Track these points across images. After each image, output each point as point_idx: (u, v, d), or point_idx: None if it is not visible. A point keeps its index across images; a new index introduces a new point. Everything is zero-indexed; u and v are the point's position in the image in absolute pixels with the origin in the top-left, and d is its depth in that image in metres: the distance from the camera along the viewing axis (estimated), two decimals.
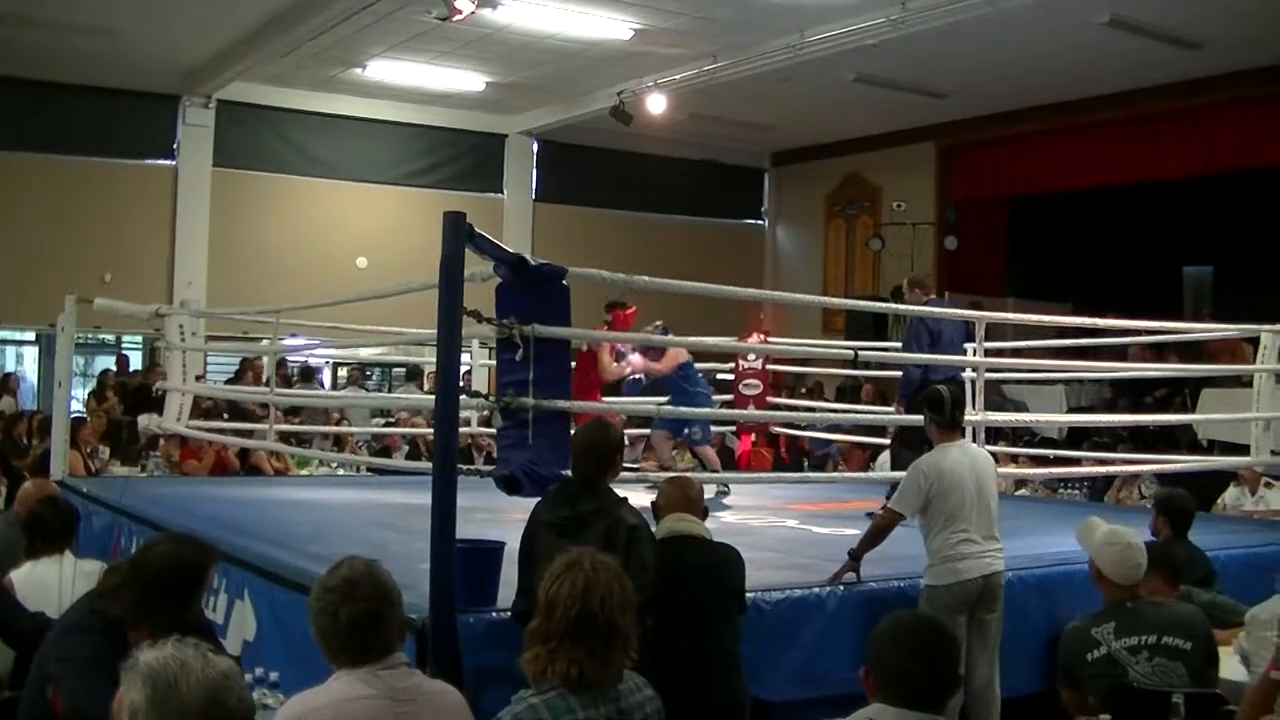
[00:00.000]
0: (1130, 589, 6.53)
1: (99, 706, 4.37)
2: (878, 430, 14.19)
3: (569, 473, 5.97)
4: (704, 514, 6.31)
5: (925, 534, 6.99)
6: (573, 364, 9.96)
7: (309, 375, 20.34)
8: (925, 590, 6.89)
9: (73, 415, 13.84)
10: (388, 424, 17.12)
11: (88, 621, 4.77)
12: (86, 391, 19.09)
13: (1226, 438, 14.70)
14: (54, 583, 6.35)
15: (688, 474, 8.29)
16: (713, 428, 15.32)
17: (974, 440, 9.02)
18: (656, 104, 19.96)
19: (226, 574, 7.26)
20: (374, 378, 21.78)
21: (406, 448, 16.18)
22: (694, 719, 5.68)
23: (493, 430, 8.01)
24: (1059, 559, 8.09)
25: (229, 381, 18.49)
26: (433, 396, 6.00)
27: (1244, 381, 13.44)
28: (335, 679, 3.99)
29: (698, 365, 14.70)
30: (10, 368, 21.87)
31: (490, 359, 11.64)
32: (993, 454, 8.25)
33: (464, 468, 6.34)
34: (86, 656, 4.60)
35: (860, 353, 10.28)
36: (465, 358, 12.23)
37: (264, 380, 16.38)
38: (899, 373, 14.97)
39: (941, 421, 7.28)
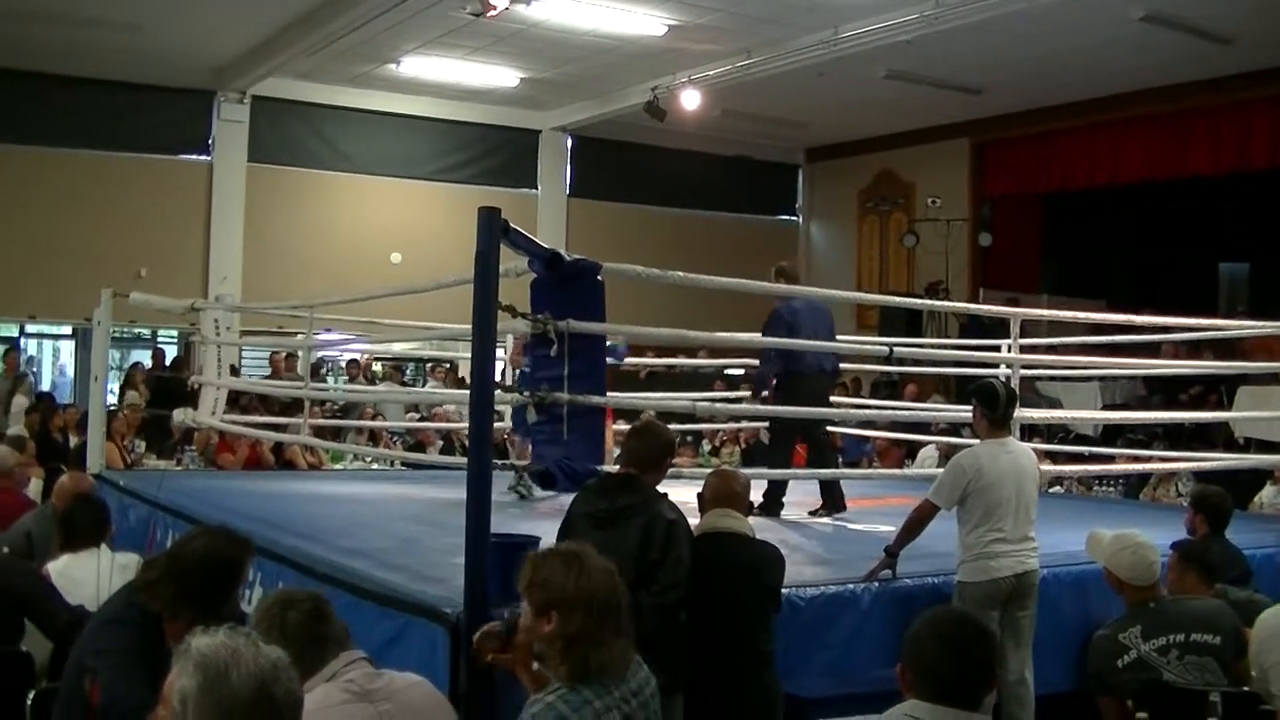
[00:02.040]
0: (1150, 589, 6.54)
1: (135, 698, 4.41)
2: (914, 427, 14.17)
3: (603, 468, 5.97)
4: (748, 509, 6.27)
5: (960, 528, 6.96)
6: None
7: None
8: (958, 586, 6.87)
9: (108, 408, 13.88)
10: (421, 419, 17.13)
11: (125, 614, 4.79)
12: (118, 386, 19.22)
13: (1263, 435, 14.61)
14: (91, 576, 6.38)
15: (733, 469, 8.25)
16: (746, 423, 15.30)
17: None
18: (690, 100, 19.97)
19: (261, 567, 7.28)
20: (409, 373, 21.80)
21: (440, 442, 16.19)
22: (728, 716, 5.70)
23: None
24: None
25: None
26: (467, 391, 6.00)
27: None
28: (308, 692, 3.98)
29: (732, 360, 14.65)
30: (47, 362, 22.02)
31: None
32: None
33: (499, 462, 6.35)
34: (124, 649, 4.61)
35: (895, 349, 10.26)
36: (500, 353, 12.26)
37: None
38: (934, 369, 14.98)
39: (992, 417, 7.21)
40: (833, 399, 11.19)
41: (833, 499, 10.17)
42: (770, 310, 10.02)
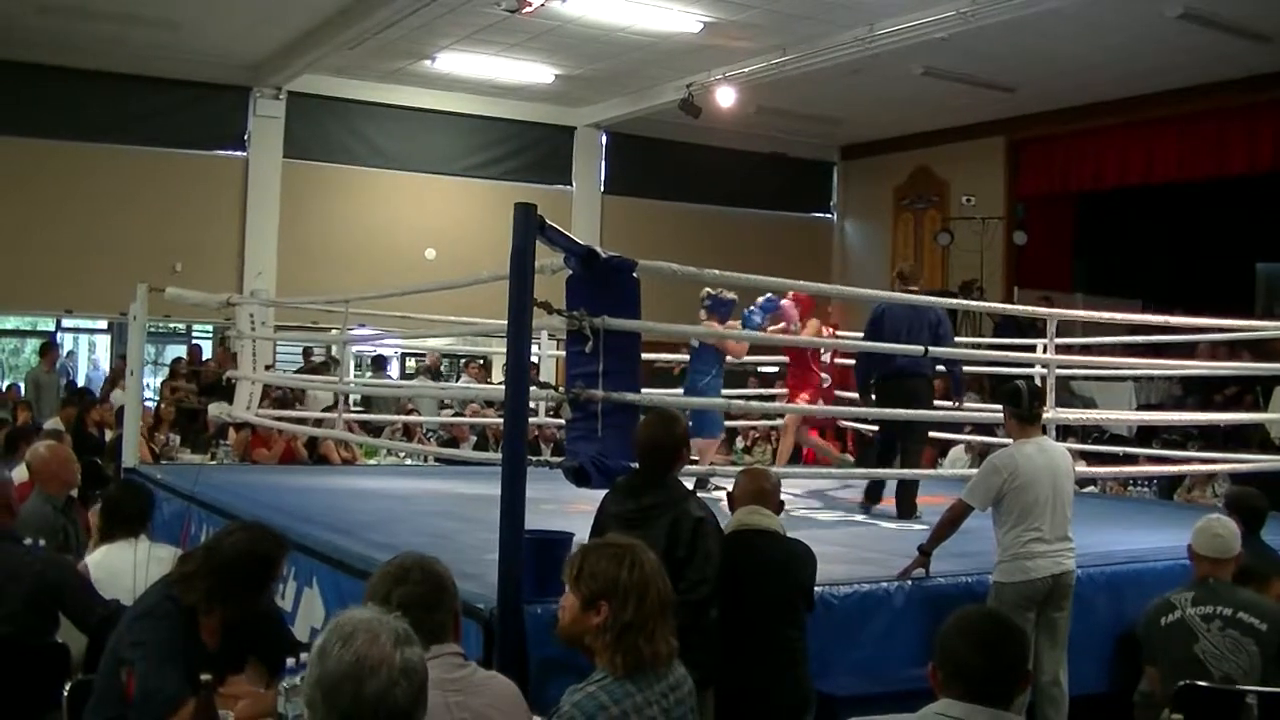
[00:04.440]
0: (1215, 564, 6.68)
1: (170, 690, 4.44)
2: (947, 427, 14.12)
3: (637, 465, 5.97)
4: (779, 507, 6.28)
5: (997, 528, 6.94)
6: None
7: (380, 365, 20.50)
8: (994, 586, 6.85)
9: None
10: (455, 414, 17.17)
11: (162, 608, 4.81)
12: (159, 380, 19.34)
13: None
14: (128, 567, 6.39)
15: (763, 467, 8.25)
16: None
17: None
18: (725, 97, 19.97)
19: (295, 562, 7.30)
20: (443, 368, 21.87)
21: (474, 438, 16.22)
22: (759, 713, 5.70)
23: (560, 421, 8.03)
24: (1128, 557, 8.04)
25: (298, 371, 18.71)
26: (502, 387, 6.01)
27: None
28: None
29: (766, 358, 14.70)
30: (83, 356, 22.14)
31: (559, 351, 11.67)
32: None
33: (532, 459, 6.36)
34: (159, 641, 4.64)
35: (929, 348, 10.24)
36: (534, 349, 12.27)
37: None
38: (969, 368, 14.95)
39: (1020, 414, 7.20)
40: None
41: (906, 501, 10.15)
42: None
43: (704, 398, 10.85)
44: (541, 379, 12.06)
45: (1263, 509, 8.21)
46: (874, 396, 10.42)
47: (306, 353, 20.30)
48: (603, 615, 3.98)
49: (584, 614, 4.03)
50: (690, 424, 10.18)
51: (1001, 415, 7.54)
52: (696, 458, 10.20)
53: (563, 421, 7.22)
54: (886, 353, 9.82)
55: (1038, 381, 9.73)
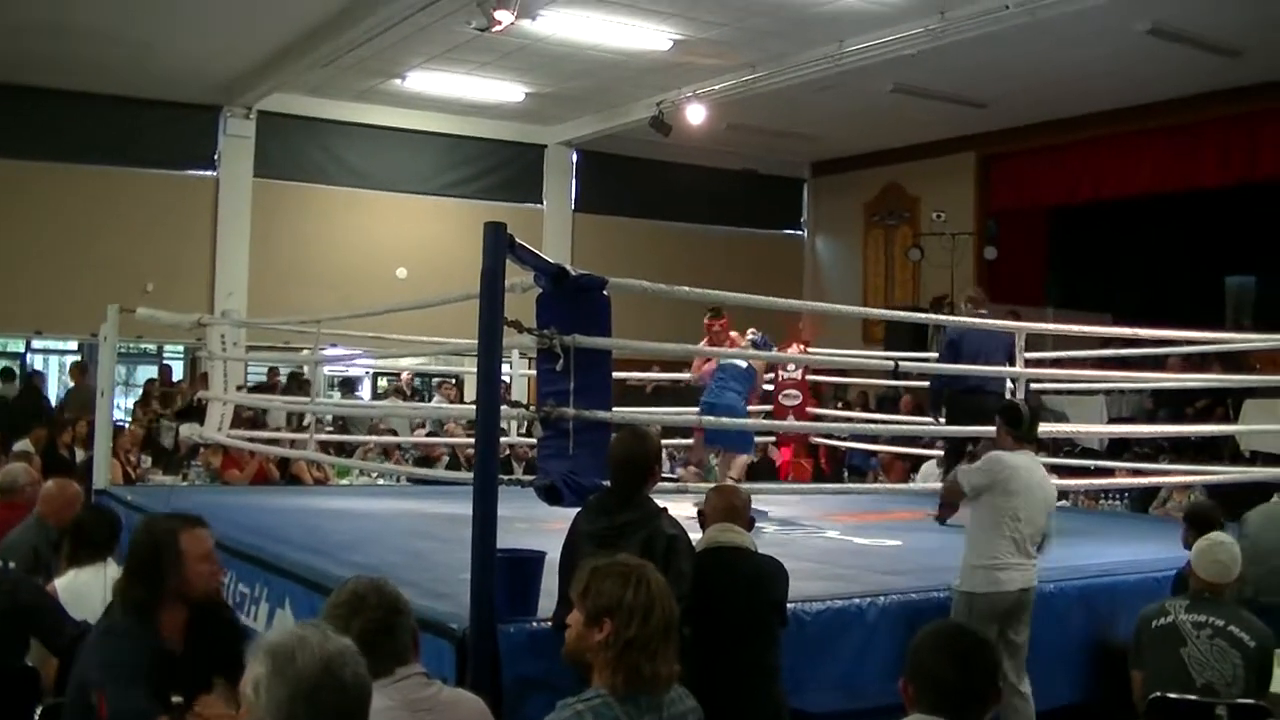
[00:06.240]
0: (1211, 584, 6.72)
1: (141, 711, 4.42)
2: (919, 441, 14.15)
3: (609, 483, 5.96)
4: (750, 524, 6.27)
5: (974, 528, 6.98)
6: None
7: (350, 387, 20.43)
8: (963, 596, 6.84)
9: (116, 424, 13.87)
10: (429, 434, 17.13)
11: (121, 625, 4.80)
12: (131, 401, 19.24)
13: (1270, 449, 14.57)
14: (95, 591, 6.38)
15: (735, 484, 8.25)
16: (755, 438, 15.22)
17: None
18: (695, 114, 20.00)
19: (268, 583, 7.30)
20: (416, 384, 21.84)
21: (447, 457, 16.19)
22: None
23: (533, 440, 8.03)
24: (1100, 570, 8.07)
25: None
26: (473, 407, 6.02)
27: None
28: None
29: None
30: (53, 377, 22.00)
31: (530, 369, 11.67)
32: None
33: (504, 478, 6.36)
34: (125, 661, 4.61)
35: (901, 363, 10.32)
36: (505, 368, 12.26)
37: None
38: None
39: (1017, 435, 7.28)
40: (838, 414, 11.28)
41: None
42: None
43: (717, 413, 10.95)
44: (513, 397, 12.05)
45: (1215, 519, 8.22)
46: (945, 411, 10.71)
47: (271, 373, 20.24)
48: (605, 632, 3.97)
49: (587, 630, 4.02)
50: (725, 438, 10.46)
51: (972, 432, 7.59)
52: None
53: (534, 440, 7.23)
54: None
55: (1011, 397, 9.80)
